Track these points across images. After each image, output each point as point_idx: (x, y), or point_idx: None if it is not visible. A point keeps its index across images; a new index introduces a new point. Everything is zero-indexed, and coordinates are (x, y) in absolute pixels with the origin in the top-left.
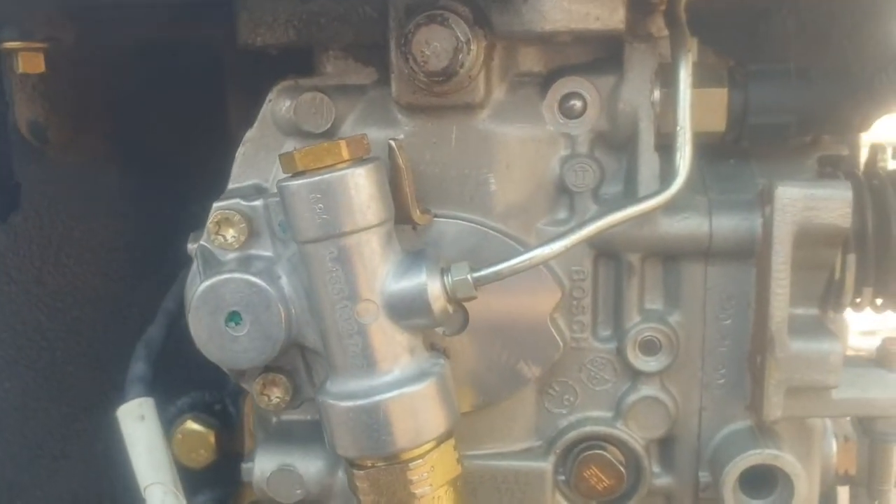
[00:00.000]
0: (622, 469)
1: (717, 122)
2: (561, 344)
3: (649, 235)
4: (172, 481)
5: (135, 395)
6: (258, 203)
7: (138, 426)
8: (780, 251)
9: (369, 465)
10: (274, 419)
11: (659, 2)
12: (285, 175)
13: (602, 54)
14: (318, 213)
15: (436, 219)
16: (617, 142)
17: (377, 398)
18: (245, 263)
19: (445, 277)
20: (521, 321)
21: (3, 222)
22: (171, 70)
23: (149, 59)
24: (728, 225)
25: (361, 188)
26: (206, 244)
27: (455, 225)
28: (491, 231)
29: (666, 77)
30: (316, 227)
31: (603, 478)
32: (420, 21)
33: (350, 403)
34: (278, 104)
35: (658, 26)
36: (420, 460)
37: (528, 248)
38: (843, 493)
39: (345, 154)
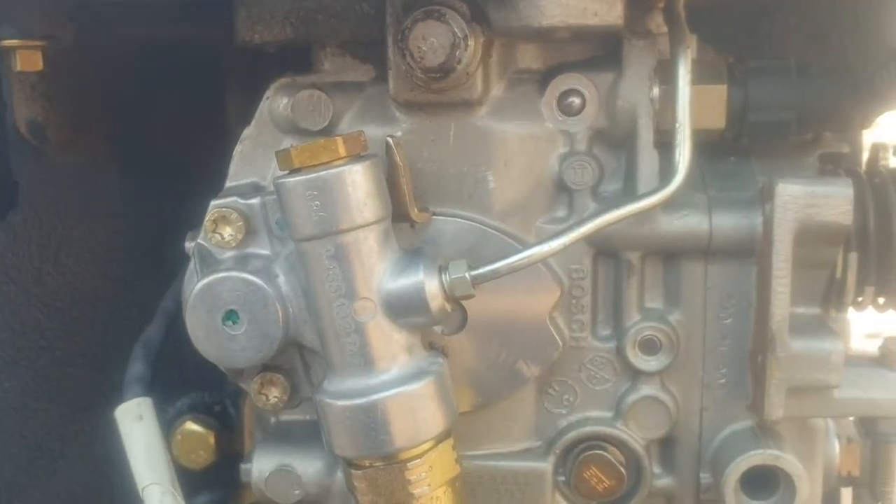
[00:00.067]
0: (622, 470)
1: (717, 119)
2: (560, 343)
3: (649, 233)
4: (170, 482)
5: (133, 396)
6: (255, 201)
7: (136, 426)
8: (780, 249)
9: (367, 464)
10: (272, 419)
11: None
12: (282, 172)
13: (601, 51)
14: (315, 210)
15: (434, 217)
16: (616, 139)
17: (375, 397)
18: (242, 262)
19: (443, 275)
20: (520, 320)
21: (0, 221)
22: (170, 68)
23: (148, 58)
24: (728, 223)
25: (358, 185)
26: (203, 242)
27: (453, 223)
28: (489, 229)
29: (665, 74)
30: (312, 225)
31: (603, 478)
32: (417, 17)
33: (347, 402)
34: (276, 102)
35: (657, 23)
36: (418, 460)
37: (526, 246)
38: (847, 494)
39: (341, 151)
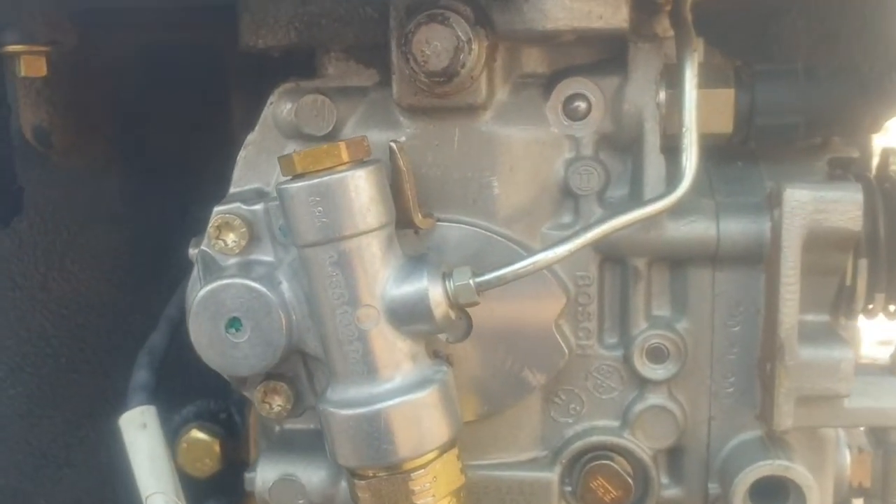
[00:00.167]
0: (630, 480)
1: (724, 124)
2: (566, 351)
3: (655, 239)
4: (174, 490)
5: (137, 404)
6: (259, 207)
7: (140, 434)
8: (789, 256)
9: (370, 474)
10: (276, 428)
11: (664, 1)
12: (285, 178)
13: (606, 55)
14: (318, 216)
15: (438, 223)
16: (622, 144)
17: (378, 406)
18: (246, 268)
19: (447, 282)
20: (526, 328)
21: (5, 226)
22: (174, 73)
23: (152, 63)
24: (736, 229)
25: (361, 191)
26: (206, 249)
27: (458, 229)
28: (494, 235)
29: (671, 78)
30: (315, 231)
31: (610, 489)
32: (420, 20)
33: (350, 412)
34: (279, 107)
35: (663, 26)
36: (422, 470)
37: (532, 253)
38: None
39: (344, 156)
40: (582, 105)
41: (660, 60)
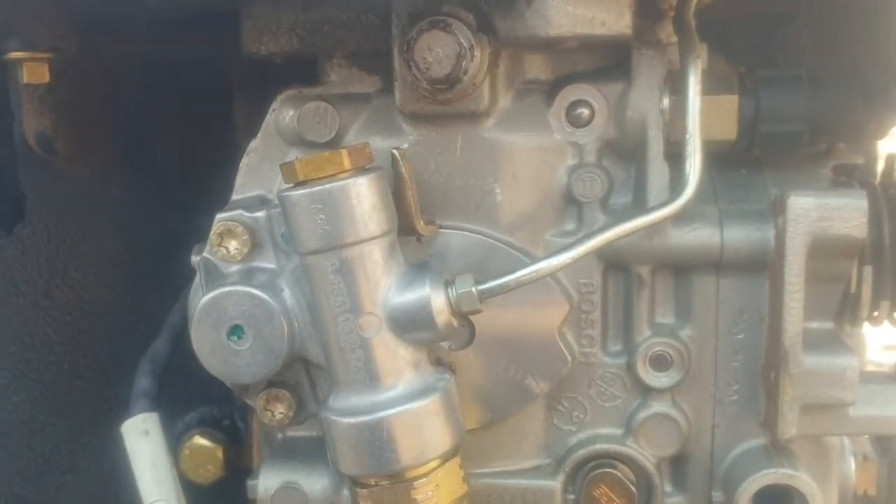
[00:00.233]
0: (633, 488)
1: (728, 130)
2: (569, 358)
3: (659, 247)
4: (176, 498)
5: (139, 411)
6: (261, 214)
7: (142, 442)
8: (793, 263)
9: (373, 483)
10: (279, 435)
11: (668, 7)
12: (287, 185)
13: (610, 61)
14: (320, 223)
15: (441, 230)
16: (625, 150)
17: (380, 414)
18: (248, 276)
19: (450, 290)
20: (529, 335)
21: (9, 233)
22: (177, 80)
23: (155, 70)
24: (740, 236)
25: (363, 198)
26: (208, 256)
27: (460, 236)
28: (497, 242)
29: (675, 84)
30: (317, 238)
31: (613, 497)
32: (422, 27)
33: (352, 420)
34: (282, 114)
35: (667, 32)
36: (425, 479)
37: (535, 260)
38: None
39: (346, 163)
40: (585, 112)
41: (663, 67)
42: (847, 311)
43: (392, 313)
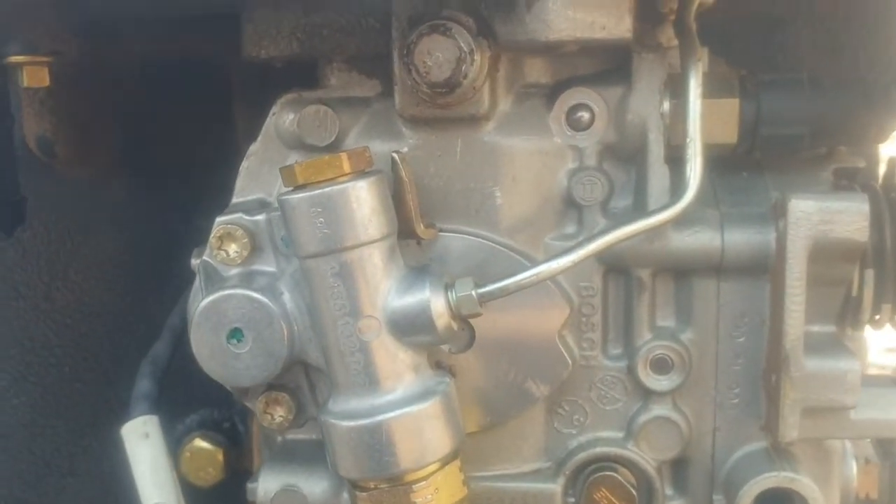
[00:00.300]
0: (633, 491)
1: (729, 134)
2: (570, 362)
3: (659, 250)
4: (176, 500)
5: (139, 413)
6: (261, 218)
7: (142, 444)
8: (794, 266)
9: (372, 486)
10: (279, 438)
11: (668, 11)
12: (287, 189)
13: (610, 65)
14: (319, 227)
15: (441, 233)
16: (626, 154)
17: (380, 418)
18: (247, 279)
19: (449, 293)
20: (529, 338)
21: (9, 236)
22: (177, 83)
23: (155, 73)
24: (740, 239)
25: (363, 202)
26: (208, 259)
27: (460, 240)
28: (497, 246)
29: (676, 87)
30: (317, 242)
31: (614, 500)
32: (422, 31)
33: (352, 423)
34: (282, 117)
35: (667, 36)
36: (424, 482)
37: (535, 263)
38: None
39: (346, 167)
40: (585, 115)
41: (664, 70)
42: (848, 314)
43: (392, 317)
